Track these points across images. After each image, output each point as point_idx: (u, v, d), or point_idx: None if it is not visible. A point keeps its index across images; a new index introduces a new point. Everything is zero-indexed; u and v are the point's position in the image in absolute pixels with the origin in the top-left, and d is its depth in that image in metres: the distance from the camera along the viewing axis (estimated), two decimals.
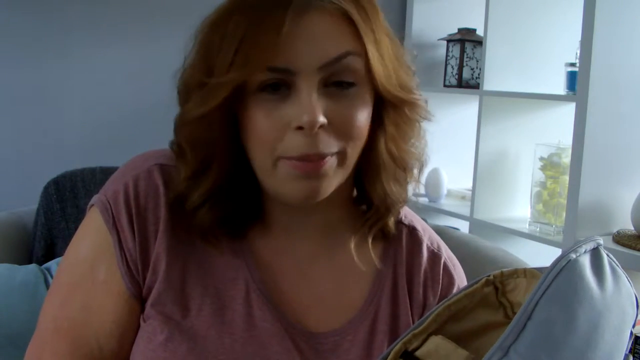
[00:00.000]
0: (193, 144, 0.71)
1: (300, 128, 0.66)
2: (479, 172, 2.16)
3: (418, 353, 0.59)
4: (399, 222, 0.83)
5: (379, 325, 0.77)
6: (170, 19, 2.05)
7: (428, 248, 0.83)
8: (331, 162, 0.69)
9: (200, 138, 0.71)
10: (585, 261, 0.56)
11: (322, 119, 0.66)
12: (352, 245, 0.78)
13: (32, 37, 1.91)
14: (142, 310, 0.73)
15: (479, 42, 2.30)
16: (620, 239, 1.74)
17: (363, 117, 0.70)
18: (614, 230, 1.83)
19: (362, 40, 0.68)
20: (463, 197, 2.45)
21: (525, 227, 2.06)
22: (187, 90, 0.71)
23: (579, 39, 1.81)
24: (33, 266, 1.18)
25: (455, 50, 2.37)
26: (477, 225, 2.18)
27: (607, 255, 0.58)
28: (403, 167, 0.77)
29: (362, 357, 0.75)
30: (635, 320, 0.59)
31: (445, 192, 2.43)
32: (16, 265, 1.17)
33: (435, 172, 2.40)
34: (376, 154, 0.74)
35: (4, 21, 1.87)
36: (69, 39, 1.96)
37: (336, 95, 0.68)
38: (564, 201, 1.92)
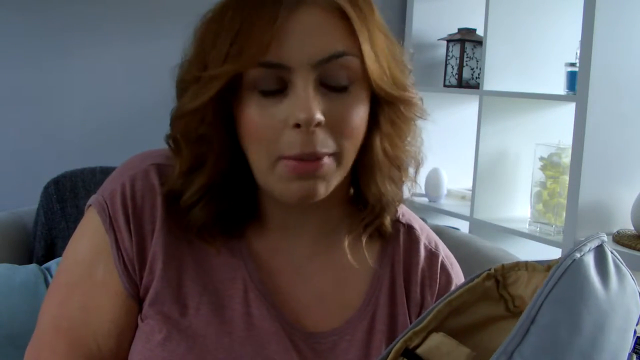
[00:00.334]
0: (187, 137, 0.71)
1: (297, 126, 0.66)
2: (479, 172, 2.16)
3: (419, 351, 0.59)
4: (397, 221, 0.83)
5: (377, 325, 0.77)
6: (170, 18, 2.05)
7: (425, 247, 0.83)
8: (329, 162, 0.69)
9: (194, 132, 0.70)
10: (590, 260, 0.55)
11: (319, 116, 0.66)
12: (346, 244, 0.77)
13: (32, 37, 1.91)
14: (140, 310, 0.73)
15: (479, 42, 2.30)
16: (620, 239, 1.74)
17: (359, 116, 0.70)
18: (614, 230, 1.83)
19: (356, 37, 0.67)
20: (463, 197, 2.44)
21: (525, 227, 2.06)
22: (183, 85, 0.71)
23: (579, 39, 1.81)
24: (33, 266, 1.18)
25: (455, 50, 2.37)
26: (477, 225, 2.18)
27: (612, 253, 0.58)
28: (398, 166, 0.76)
29: (360, 356, 0.75)
30: (639, 319, 0.59)
31: (445, 192, 2.43)
32: (16, 265, 1.17)
33: (435, 172, 2.40)
34: (371, 153, 0.74)
35: (3, 21, 1.87)
36: (69, 39, 1.96)
37: (332, 94, 0.68)
38: (564, 201, 1.92)
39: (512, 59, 2.14)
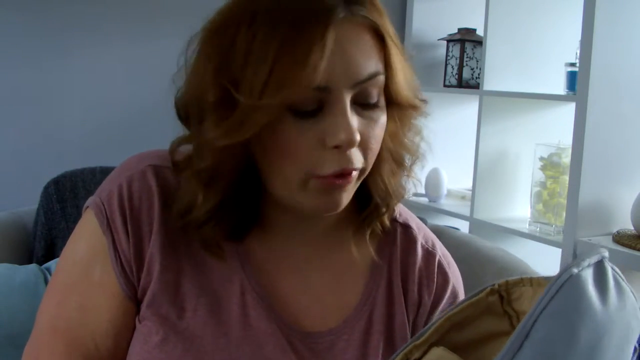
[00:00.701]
0: (221, 171, 0.69)
1: (337, 146, 0.65)
2: (479, 172, 2.16)
3: None
4: (394, 221, 0.83)
5: (374, 325, 0.77)
6: (170, 18, 2.05)
7: (422, 246, 0.83)
8: (354, 175, 0.69)
9: (228, 164, 0.68)
10: (588, 275, 0.54)
11: (358, 137, 0.65)
12: (352, 243, 0.78)
13: (32, 37, 1.91)
14: (138, 311, 0.73)
15: (479, 42, 2.30)
16: (620, 239, 1.74)
17: (384, 129, 0.70)
18: (614, 230, 1.83)
19: (384, 54, 0.67)
20: (463, 197, 2.44)
21: (525, 227, 2.06)
22: (200, 107, 0.67)
23: (579, 39, 1.81)
24: (33, 266, 1.18)
25: (455, 50, 2.37)
26: (477, 225, 2.18)
27: (612, 268, 0.56)
28: (399, 161, 0.76)
29: (358, 356, 0.75)
30: None
31: (445, 192, 2.43)
32: (16, 265, 1.17)
33: (435, 172, 2.40)
34: (379, 149, 0.74)
35: (3, 21, 1.87)
36: (69, 39, 1.96)
37: (363, 112, 0.68)
38: (564, 201, 1.92)
39: (512, 59, 2.14)
